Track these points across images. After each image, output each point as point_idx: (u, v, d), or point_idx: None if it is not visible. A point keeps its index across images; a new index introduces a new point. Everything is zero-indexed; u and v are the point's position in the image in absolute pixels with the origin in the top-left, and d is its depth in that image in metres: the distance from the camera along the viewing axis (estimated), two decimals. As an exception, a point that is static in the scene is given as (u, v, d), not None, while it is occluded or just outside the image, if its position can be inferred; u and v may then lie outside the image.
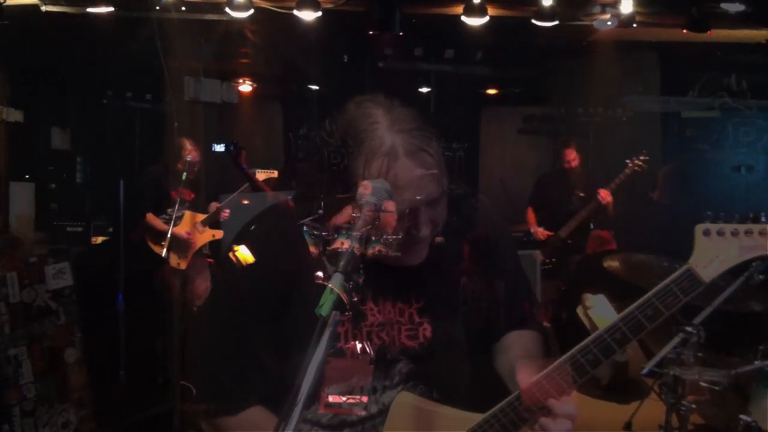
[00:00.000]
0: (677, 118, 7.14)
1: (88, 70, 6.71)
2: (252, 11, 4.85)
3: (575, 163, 6.27)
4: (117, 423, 4.73)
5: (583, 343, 1.56)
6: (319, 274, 1.66)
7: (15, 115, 6.24)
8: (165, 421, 4.93)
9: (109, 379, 4.99)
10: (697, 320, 3.11)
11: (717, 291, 3.51)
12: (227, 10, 4.83)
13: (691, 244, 1.55)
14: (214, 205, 5.26)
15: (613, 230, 6.12)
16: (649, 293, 1.55)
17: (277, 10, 4.93)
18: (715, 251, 1.53)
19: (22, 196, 6.46)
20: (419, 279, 1.77)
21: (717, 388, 3.07)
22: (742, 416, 3.11)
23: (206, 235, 5.30)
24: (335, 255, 1.39)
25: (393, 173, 1.60)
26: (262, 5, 4.94)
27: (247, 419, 1.74)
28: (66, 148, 7.53)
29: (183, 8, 4.95)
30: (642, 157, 5.79)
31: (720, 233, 1.54)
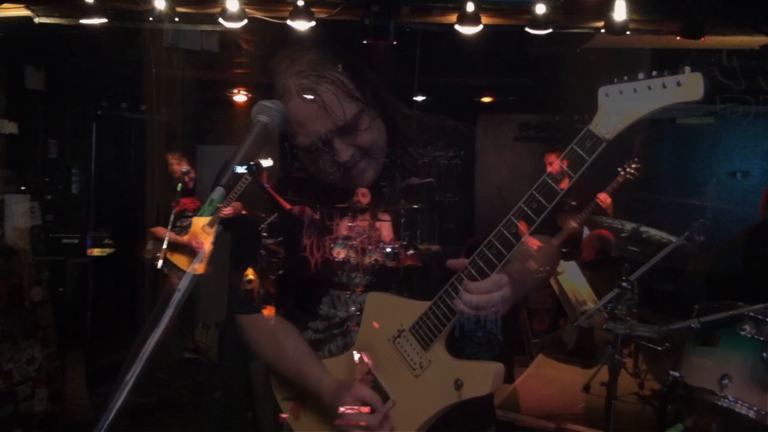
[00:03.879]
0: (672, 124, 7.15)
1: (83, 82, 6.71)
2: (246, 21, 4.85)
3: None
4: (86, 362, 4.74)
5: (505, 219, 1.64)
6: (352, 309, 1.93)
7: (10, 127, 6.23)
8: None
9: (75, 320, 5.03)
10: (634, 277, 3.28)
11: (658, 249, 3.53)
12: (221, 20, 4.83)
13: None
14: (219, 206, 5.26)
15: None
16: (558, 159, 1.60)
17: (271, 20, 4.93)
18: (616, 109, 1.54)
19: (17, 208, 6.44)
20: (387, 195, 1.94)
21: (659, 348, 3.22)
22: (672, 371, 3.22)
23: (213, 236, 5.29)
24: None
25: (293, 112, 1.78)
26: (256, 15, 4.94)
27: (258, 318, 2.05)
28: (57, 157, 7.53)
29: (177, 19, 4.94)
30: (633, 165, 5.77)
31: (620, 92, 1.55)
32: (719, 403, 3.06)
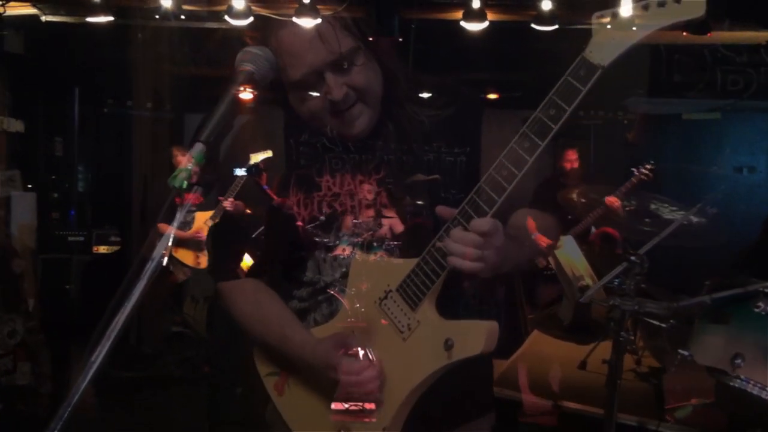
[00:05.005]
0: (678, 120, 7.13)
1: (89, 79, 6.72)
2: (252, 18, 4.84)
3: (577, 164, 6.17)
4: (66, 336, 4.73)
5: (496, 162, 1.55)
6: (337, 275, 1.79)
7: (16, 125, 6.24)
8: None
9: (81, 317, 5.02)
10: (643, 250, 3.10)
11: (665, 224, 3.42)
12: (226, 17, 4.82)
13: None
14: (221, 199, 5.29)
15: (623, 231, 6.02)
16: (550, 93, 1.51)
17: (276, 17, 4.92)
18: (611, 34, 1.46)
19: (24, 206, 6.46)
20: (377, 150, 1.84)
21: (664, 325, 3.02)
22: (680, 350, 3.10)
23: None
24: None
25: (284, 42, 1.69)
26: (262, 12, 4.93)
27: (241, 284, 1.96)
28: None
29: (182, 16, 4.94)
30: (648, 166, 5.69)
31: (614, 15, 1.46)
32: (731, 384, 2.96)
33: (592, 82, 1.46)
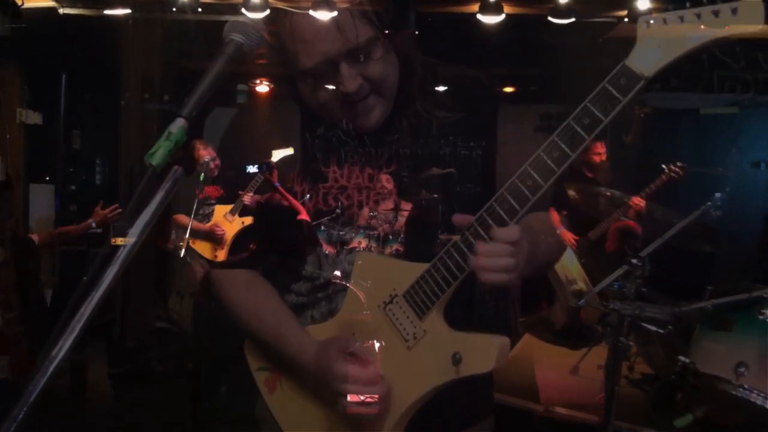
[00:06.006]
0: (695, 114, 7.08)
1: (106, 72, 6.74)
2: (268, 11, 4.85)
3: (604, 156, 6.04)
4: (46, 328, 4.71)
5: (520, 170, 1.44)
6: (337, 273, 1.69)
7: (34, 118, 6.29)
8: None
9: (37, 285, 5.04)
10: (645, 253, 3.02)
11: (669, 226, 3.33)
12: (243, 10, 4.83)
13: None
14: (241, 194, 5.30)
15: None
16: (585, 101, 1.38)
17: (293, 10, 4.92)
18: (657, 42, 1.33)
19: (41, 198, 6.51)
20: (390, 144, 1.75)
21: (662, 331, 2.91)
22: (681, 357, 3.02)
23: (236, 224, 5.31)
24: None
25: (296, 27, 1.62)
26: (278, 5, 4.94)
27: (235, 274, 1.88)
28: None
29: (199, 9, 4.96)
30: (679, 164, 5.55)
31: (664, 21, 1.34)
32: (734, 393, 2.88)
33: (634, 93, 1.35)
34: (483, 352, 1.52)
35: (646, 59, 1.34)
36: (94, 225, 5.34)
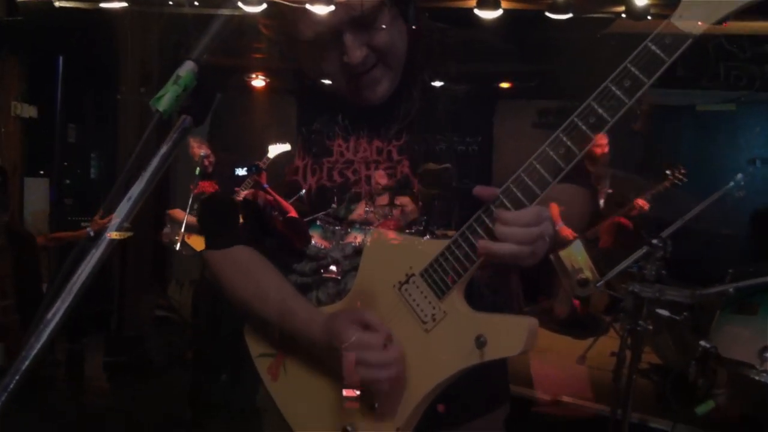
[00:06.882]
0: (692, 111, 7.08)
1: (102, 66, 6.72)
2: (265, 5, 4.83)
3: (606, 149, 6.01)
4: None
5: (551, 138, 1.36)
6: (333, 268, 1.66)
7: (29, 111, 6.27)
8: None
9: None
10: (666, 233, 2.91)
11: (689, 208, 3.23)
12: (240, 4, 4.81)
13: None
14: (237, 190, 5.30)
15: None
16: (624, 62, 1.26)
17: (290, 4, 4.90)
18: None
19: (37, 192, 6.49)
20: (398, 115, 1.66)
21: (677, 317, 2.79)
22: (702, 342, 2.86)
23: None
24: None
25: None
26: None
27: (231, 252, 1.74)
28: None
29: (196, 2, 4.94)
30: (683, 170, 5.56)
31: None
32: (758, 378, 2.76)
33: (679, 53, 1.23)
34: (512, 334, 1.42)
35: (695, 16, 1.22)
36: (92, 234, 5.32)
